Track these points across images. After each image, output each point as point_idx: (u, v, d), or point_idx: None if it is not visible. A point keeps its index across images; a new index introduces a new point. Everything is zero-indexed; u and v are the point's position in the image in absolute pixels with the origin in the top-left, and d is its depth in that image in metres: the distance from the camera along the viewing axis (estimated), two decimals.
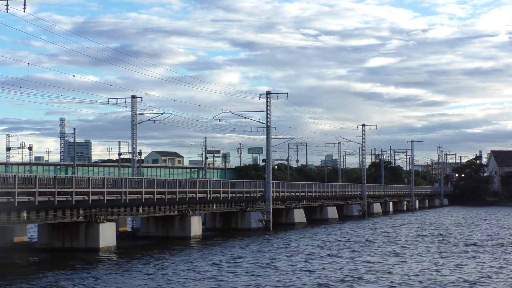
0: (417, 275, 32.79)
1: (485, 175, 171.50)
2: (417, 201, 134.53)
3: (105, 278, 31.97)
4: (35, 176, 39.17)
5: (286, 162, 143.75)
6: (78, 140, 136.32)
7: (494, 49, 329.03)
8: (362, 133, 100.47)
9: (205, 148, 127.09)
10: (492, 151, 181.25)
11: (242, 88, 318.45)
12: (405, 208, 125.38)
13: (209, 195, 57.30)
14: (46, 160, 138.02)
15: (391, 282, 30.54)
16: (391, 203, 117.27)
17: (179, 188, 52.94)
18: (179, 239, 52.47)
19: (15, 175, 37.57)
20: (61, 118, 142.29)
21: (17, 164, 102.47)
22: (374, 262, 38.33)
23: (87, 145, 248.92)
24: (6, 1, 34.95)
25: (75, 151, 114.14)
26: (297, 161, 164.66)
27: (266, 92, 66.65)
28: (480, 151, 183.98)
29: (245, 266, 36.31)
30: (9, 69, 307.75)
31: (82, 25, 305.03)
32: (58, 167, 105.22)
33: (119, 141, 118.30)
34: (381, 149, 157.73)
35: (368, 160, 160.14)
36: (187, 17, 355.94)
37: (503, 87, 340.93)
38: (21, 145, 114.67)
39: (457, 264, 37.46)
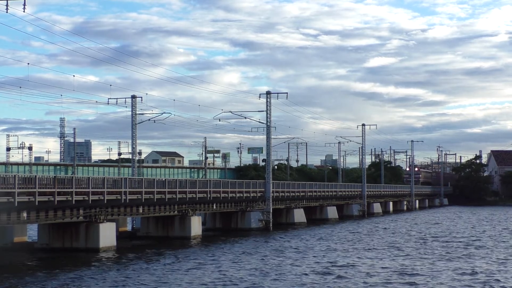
0: None
1: (485, 175, 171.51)
2: (417, 201, 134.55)
3: (105, 278, 31.96)
4: (35, 176, 39.16)
5: (286, 162, 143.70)
6: (78, 140, 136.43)
7: (494, 49, 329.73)
8: (362, 133, 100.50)
9: (205, 148, 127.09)
10: (492, 151, 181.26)
11: (242, 88, 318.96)
12: (405, 208, 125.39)
13: (209, 195, 57.28)
14: (46, 160, 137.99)
15: None
16: (391, 203, 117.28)
17: (179, 188, 52.92)
18: (179, 239, 52.47)
19: (15, 175, 37.55)
20: (61, 118, 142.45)
21: (17, 164, 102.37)
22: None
23: (87, 145, 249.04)
24: (6, 1, 34.94)
25: (75, 151, 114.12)
26: (297, 161, 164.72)
27: (266, 92, 66.63)
28: (480, 151, 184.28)
29: (244, 266, 36.38)
30: (9, 69, 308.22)
31: (82, 25, 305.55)
32: (58, 167, 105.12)
33: (119, 141, 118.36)
34: (381, 149, 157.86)
35: (368, 160, 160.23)
36: (187, 17, 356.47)
37: (502, 87, 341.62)
38: (21, 145, 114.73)
39: None
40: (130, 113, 61.45)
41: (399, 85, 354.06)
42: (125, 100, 61.27)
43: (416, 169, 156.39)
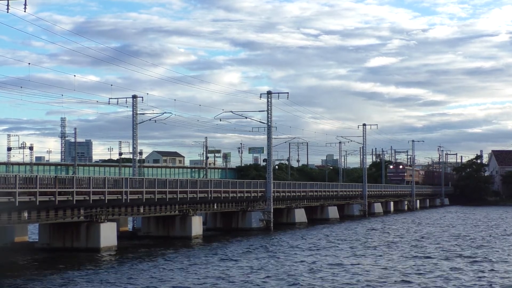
0: None
1: (485, 175, 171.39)
2: (418, 201, 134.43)
3: (105, 278, 31.95)
4: (36, 176, 39.14)
5: (287, 162, 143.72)
6: (78, 140, 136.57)
7: (495, 49, 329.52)
8: (363, 133, 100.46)
9: (206, 148, 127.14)
10: (493, 151, 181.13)
11: (242, 88, 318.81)
12: (406, 208, 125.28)
13: (210, 195, 57.25)
14: (47, 160, 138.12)
15: None
16: (392, 203, 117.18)
17: (180, 188, 52.90)
18: (180, 239, 52.44)
19: (16, 175, 37.54)
20: (62, 118, 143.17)
21: (18, 164, 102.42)
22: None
23: (88, 145, 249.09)
24: (6, 1, 34.92)
25: (76, 151, 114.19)
26: (298, 161, 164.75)
27: (267, 92, 66.59)
28: (481, 151, 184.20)
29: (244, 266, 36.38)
30: (10, 69, 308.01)
31: (82, 25, 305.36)
32: (59, 167, 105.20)
33: (120, 141, 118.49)
34: (382, 148, 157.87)
35: (369, 160, 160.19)
36: (187, 17, 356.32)
37: (503, 87, 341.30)
38: (22, 145, 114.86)
39: None
40: (131, 113, 61.57)
41: (399, 85, 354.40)
42: (126, 100, 61.33)
43: (401, 167, 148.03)
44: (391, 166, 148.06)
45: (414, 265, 36.76)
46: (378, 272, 33.78)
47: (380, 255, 41.91)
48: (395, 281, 30.91)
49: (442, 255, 42.24)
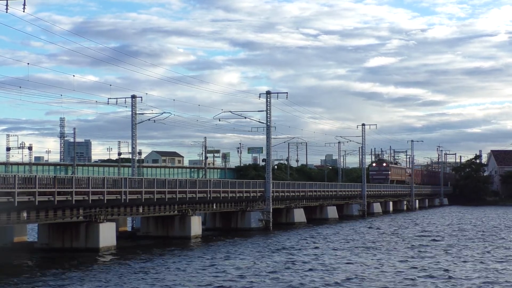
0: None
1: (485, 174, 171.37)
2: (417, 201, 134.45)
3: (104, 278, 31.95)
4: (35, 176, 39.14)
5: (286, 162, 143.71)
6: (78, 140, 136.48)
7: (494, 49, 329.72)
8: (362, 132, 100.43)
9: (205, 148, 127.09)
10: (492, 150, 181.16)
11: (241, 88, 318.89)
12: (405, 208, 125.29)
13: (209, 195, 57.26)
14: (46, 160, 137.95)
15: None
16: (391, 203, 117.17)
17: (179, 188, 52.90)
18: (179, 239, 52.44)
19: (15, 175, 37.53)
20: (61, 118, 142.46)
21: (17, 164, 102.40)
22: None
23: (87, 145, 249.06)
24: (6, 1, 34.92)
25: (75, 151, 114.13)
26: (297, 160, 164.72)
27: (266, 92, 66.60)
28: (480, 151, 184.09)
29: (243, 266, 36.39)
30: (9, 69, 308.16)
31: (82, 25, 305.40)
32: (58, 167, 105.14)
33: (119, 141, 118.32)
34: (381, 148, 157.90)
35: (368, 160, 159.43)
36: (186, 17, 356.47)
37: (502, 87, 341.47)
38: (21, 145, 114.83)
39: None
40: (130, 113, 61.57)
41: (399, 85, 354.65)
42: (125, 100, 61.38)
43: (384, 164, 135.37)
44: (374, 164, 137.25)
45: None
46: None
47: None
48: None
49: None
